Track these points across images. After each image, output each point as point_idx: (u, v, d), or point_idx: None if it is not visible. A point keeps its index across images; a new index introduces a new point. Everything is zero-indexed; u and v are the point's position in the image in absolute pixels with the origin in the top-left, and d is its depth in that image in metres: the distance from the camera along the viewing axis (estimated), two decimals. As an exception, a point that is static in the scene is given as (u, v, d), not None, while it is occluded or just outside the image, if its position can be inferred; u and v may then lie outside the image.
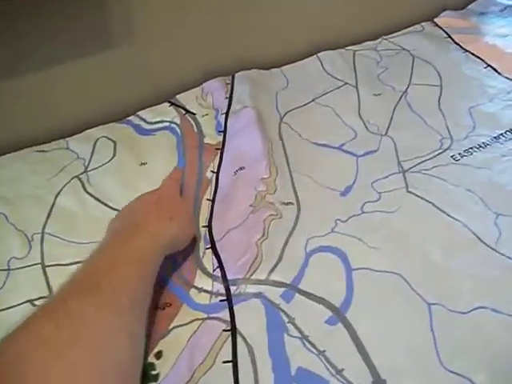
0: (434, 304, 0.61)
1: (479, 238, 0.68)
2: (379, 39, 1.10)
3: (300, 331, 0.59)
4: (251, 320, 0.60)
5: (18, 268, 0.70)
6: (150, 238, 0.58)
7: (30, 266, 0.70)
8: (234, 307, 0.62)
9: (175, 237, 0.63)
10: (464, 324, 0.59)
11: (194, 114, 0.92)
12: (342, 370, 0.55)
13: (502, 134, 0.83)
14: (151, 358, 0.58)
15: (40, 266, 0.70)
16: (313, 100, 0.93)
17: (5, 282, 0.68)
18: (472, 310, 0.60)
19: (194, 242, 0.71)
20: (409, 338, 0.58)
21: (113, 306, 0.50)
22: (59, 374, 0.42)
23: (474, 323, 0.59)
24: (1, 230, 0.75)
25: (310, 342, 0.58)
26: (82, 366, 0.44)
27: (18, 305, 0.65)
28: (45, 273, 0.69)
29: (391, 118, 0.89)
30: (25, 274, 0.69)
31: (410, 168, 0.78)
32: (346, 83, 0.97)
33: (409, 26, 1.14)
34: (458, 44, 1.07)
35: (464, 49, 1.05)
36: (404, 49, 1.07)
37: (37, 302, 0.66)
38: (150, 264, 0.57)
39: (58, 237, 0.74)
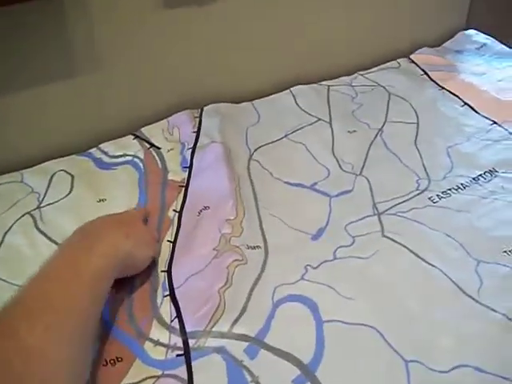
0: (411, 361, 0.55)
1: (460, 288, 0.63)
2: (354, 74, 1.08)
3: (265, 392, 0.53)
4: (211, 379, 0.54)
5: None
6: (102, 256, 0.55)
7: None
8: (193, 363, 0.55)
9: (130, 254, 0.60)
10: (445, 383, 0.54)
11: (159, 149, 0.87)
12: None
13: (481, 175, 0.80)
14: (95, 423, 0.51)
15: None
16: (285, 136, 0.89)
17: None
18: (453, 369, 0.55)
19: (153, 264, 0.67)
20: (385, 401, 0.52)
21: (64, 328, 0.47)
22: None
23: (456, 383, 0.54)
24: None
25: (275, 405, 0.52)
26: None
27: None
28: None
29: (366, 156, 0.85)
30: None
31: (386, 210, 0.74)
32: (320, 119, 0.93)
33: (385, 62, 1.12)
34: (434, 81, 1.05)
35: (440, 86, 1.03)
36: (380, 85, 1.04)
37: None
38: (101, 284, 0.54)
39: (3, 280, 0.67)
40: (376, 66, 1.11)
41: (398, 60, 1.13)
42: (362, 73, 1.08)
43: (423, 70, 1.09)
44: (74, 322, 0.48)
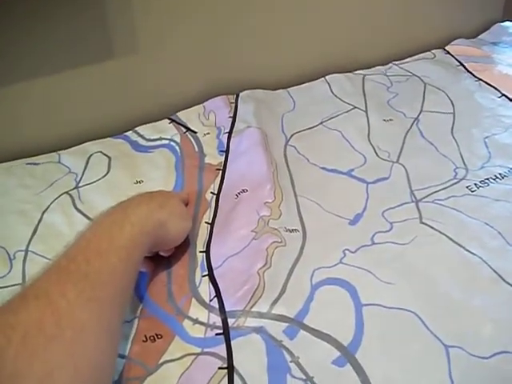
0: (452, 347, 0.55)
1: (499, 276, 0.62)
2: (389, 64, 1.07)
3: (304, 372, 0.53)
4: (250, 357, 0.54)
5: (-3, 288, 0.64)
6: (135, 224, 0.54)
7: (9, 286, 0.64)
8: (232, 342, 0.56)
9: (163, 223, 0.59)
10: (485, 370, 0.53)
11: (195, 133, 0.88)
12: (351, 417, 0.50)
13: (519, 166, 0.79)
14: (137, 397, 0.52)
15: (20, 287, 0.64)
16: (321, 123, 0.89)
17: (-19, 304, 0.62)
18: (494, 355, 0.54)
19: (187, 242, 0.67)
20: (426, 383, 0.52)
21: (96, 298, 0.46)
22: (36, 372, 0.38)
23: (497, 369, 0.53)
24: (-20, 246, 0.69)
25: (315, 385, 0.52)
26: (62, 363, 0.40)
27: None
28: (25, 295, 0.63)
29: (402, 144, 0.84)
30: (4, 294, 0.62)
31: (423, 198, 0.74)
32: (355, 107, 0.93)
33: (419, 53, 1.11)
34: (470, 72, 1.04)
35: (477, 77, 1.02)
36: (415, 75, 1.03)
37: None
38: (135, 252, 0.54)
39: (42, 256, 0.68)
40: (410, 56, 1.10)
41: (433, 51, 1.12)
42: (396, 63, 1.08)
43: (459, 61, 1.08)
44: (106, 290, 0.48)
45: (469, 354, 0.54)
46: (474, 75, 1.03)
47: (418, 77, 1.03)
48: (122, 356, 0.55)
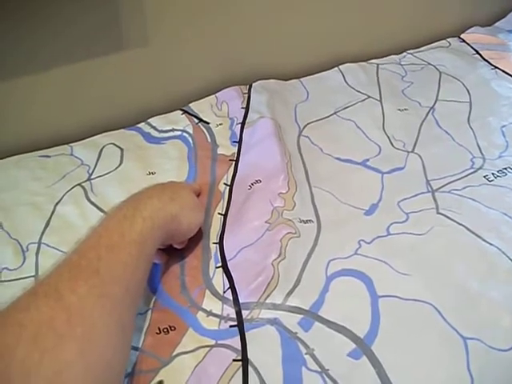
0: (470, 339, 0.54)
1: (519, 267, 0.61)
2: (403, 53, 1.06)
3: (320, 365, 0.52)
4: (265, 349, 0.54)
5: (10, 280, 0.64)
6: (146, 218, 0.54)
7: (22, 278, 0.64)
8: (246, 334, 0.55)
9: (175, 217, 0.58)
10: (504, 362, 0.52)
11: (208, 124, 0.87)
12: (367, 410, 0.49)
13: (537, 155, 0.78)
14: (151, 389, 0.51)
15: (34, 279, 0.64)
16: (334, 113, 0.88)
17: (-6, 295, 0.62)
18: (513, 348, 0.53)
19: (201, 234, 0.67)
20: (443, 377, 0.51)
21: (108, 294, 0.46)
22: (45, 371, 0.38)
23: (516, 362, 0.52)
24: (-7, 239, 0.69)
25: (330, 378, 0.51)
26: (72, 361, 0.40)
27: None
28: (39, 287, 0.63)
29: (418, 134, 0.83)
30: (17, 286, 0.62)
31: (440, 188, 0.73)
32: (370, 97, 0.92)
33: (434, 42, 1.09)
34: (486, 60, 1.02)
35: (493, 65, 1.01)
36: (430, 64, 1.02)
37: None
38: (146, 246, 0.53)
39: (55, 248, 0.68)
40: (425, 45, 1.09)
41: (448, 39, 1.10)
42: (411, 52, 1.06)
43: (475, 50, 1.06)
44: (118, 285, 0.48)
45: (487, 347, 0.54)
46: (490, 63, 1.01)
47: (433, 65, 1.01)
48: (135, 348, 0.55)
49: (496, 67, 1.00)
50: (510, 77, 0.97)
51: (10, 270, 0.65)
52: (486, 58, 1.03)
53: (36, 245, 0.68)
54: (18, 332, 0.39)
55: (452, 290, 0.59)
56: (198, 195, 0.73)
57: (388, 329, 0.55)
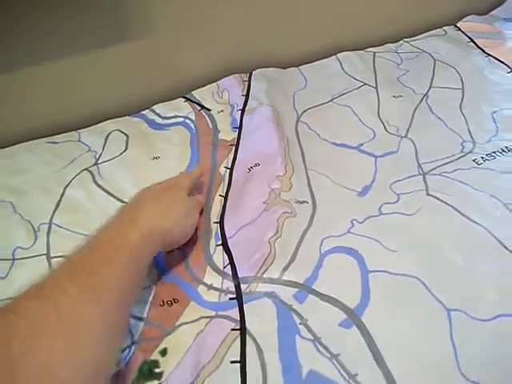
0: (454, 310, 0.57)
1: (502, 244, 0.64)
2: (400, 42, 1.09)
3: (312, 333, 0.56)
4: (262, 320, 0.58)
5: (23, 258, 0.68)
6: (141, 234, 0.55)
7: (35, 256, 0.68)
8: (244, 306, 0.59)
9: (168, 232, 0.60)
10: (485, 332, 0.56)
11: (209, 110, 0.90)
12: (356, 375, 0.53)
13: (526, 139, 0.81)
14: (155, 355, 0.55)
15: (45, 257, 0.68)
16: (331, 100, 0.91)
17: (8, 272, 0.66)
18: (495, 318, 0.57)
19: (196, 235, 0.69)
20: (428, 346, 0.55)
21: (100, 299, 0.48)
22: (35, 365, 0.40)
23: (496, 332, 0.56)
24: (7, 219, 0.73)
25: (322, 345, 0.55)
26: (61, 359, 0.42)
27: (21, 296, 0.63)
28: (50, 264, 0.67)
29: (411, 120, 0.86)
30: (29, 264, 0.67)
31: (431, 170, 0.76)
32: (366, 84, 0.95)
33: (430, 30, 1.12)
34: (481, 48, 1.05)
35: (487, 53, 1.03)
36: (425, 52, 1.05)
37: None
38: (140, 260, 0.55)
39: (65, 228, 0.72)
40: (421, 33, 1.11)
41: (444, 28, 1.13)
42: (407, 40, 1.09)
43: (470, 38, 1.08)
44: (111, 292, 0.49)
45: (470, 317, 0.57)
46: (484, 51, 1.04)
47: (429, 53, 1.04)
48: (140, 319, 0.59)
49: (490, 55, 1.02)
50: (503, 64, 1.00)
51: (23, 248, 0.69)
52: (481, 46, 1.05)
53: (47, 225, 0.72)
54: (12, 329, 0.41)
55: (438, 266, 0.62)
56: (200, 187, 0.76)
57: (377, 301, 0.59)
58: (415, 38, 1.10)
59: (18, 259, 0.68)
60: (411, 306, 0.59)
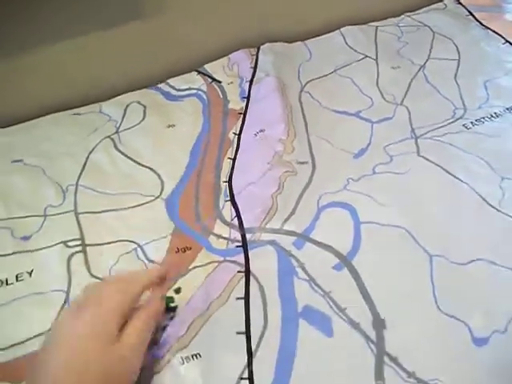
0: (435, 256, 0.65)
1: (484, 200, 0.71)
2: (402, 16, 1.14)
3: (308, 275, 0.64)
4: (264, 264, 0.66)
5: (54, 214, 0.76)
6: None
7: (64, 212, 0.76)
8: (249, 252, 0.67)
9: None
10: (462, 274, 0.63)
11: (220, 82, 0.98)
12: (345, 308, 0.60)
13: (514, 105, 0.87)
14: (171, 293, 0.63)
15: (73, 213, 0.76)
16: (334, 71, 0.98)
17: (41, 226, 0.75)
18: (471, 262, 0.64)
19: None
20: (410, 286, 0.63)
21: None
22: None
23: (471, 273, 0.63)
24: (38, 181, 0.81)
25: (317, 284, 0.63)
26: None
27: (53, 245, 0.72)
28: (77, 219, 0.75)
29: (407, 88, 0.92)
30: (59, 219, 0.76)
31: (423, 134, 0.82)
32: (367, 56, 1.01)
33: (431, 4, 1.17)
34: (478, 21, 1.10)
35: (485, 26, 1.08)
36: (425, 25, 1.10)
37: (70, 244, 0.72)
38: None
39: (90, 188, 0.80)
40: (423, 7, 1.17)
41: (445, 1, 1.17)
42: (408, 14, 1.14)
43: (469, 11, 1.13)
44: None
45: (449, 262, 0.64)
46: (482, 24, 1.09)
47: (429, 27, 1.09)
48: (158, 263, 0.67)
49: (487, 27, 1.08)
50: (499, 37, 1.05)
51: (53, 206, 0.78)
52: (479, 19, 1.11)
53: (74, 186, 0.80)
54: None
55: (424, 218, 0.69)
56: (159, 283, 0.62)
57: (367, 247, 0.66)
58: (416, 12, 1.15)
59: (49, 215, 0.76)
60: (397, 251, 0.66)
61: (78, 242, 0.72)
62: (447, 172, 0.75)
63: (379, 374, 0.55)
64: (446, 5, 1.16)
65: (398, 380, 0.54)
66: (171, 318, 0.61)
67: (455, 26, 1.09)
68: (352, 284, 0.63)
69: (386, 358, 0.56)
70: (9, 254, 0.71)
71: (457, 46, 1.03)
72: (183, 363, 0.57)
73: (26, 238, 0.73)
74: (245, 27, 1.06)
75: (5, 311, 0.65)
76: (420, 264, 0.64)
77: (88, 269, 0.69)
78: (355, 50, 1.03)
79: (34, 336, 0.62)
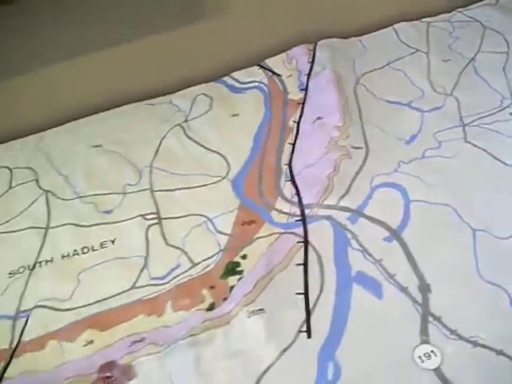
0: (478, 230, 0.71)
1: (526, 182, 0.77)
2: (453, 12, 1.18)
3: (361, 245, 0.71)
4: (321, 235, 0.73)
5: (131, 192, 0.86)
6: None
7: (141, 190, 0.86)
8: (308, 226, 0.75)
9: None
10: (503, 247, 0.69)
11: (280, 75, 1.05)
12: (394, 275, 0.67)
13: (559, 97, 0.91)
14: (237, 259, 0.72)
15: (149, 190, 0.86)
16: (387, 64, 1.04)
17: (121, 201, 0.84)
18: (510, 237, 0.70)
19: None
20: (454, 254, 0.69)
21: None
22: None
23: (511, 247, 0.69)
24: (118, 163, 0.91)
25: (368, 254, 0.70)
26: None
27: (132, 218, 0.81)
28: (153, 195, 0.85)
29: (457, 80, 0.98)
30: (137, 196, 0.85)
31: (470, 122, 0.88)
32: (418, 50, 1.07)
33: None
34: (530, 16, 1.13)
35: (536, 20, 1.11)
36: (476, 20, 1.14)
37: (147, 217, 0.81)
38: None
39: (163, 170, 0.89)
40: (475, 3, 1.20)
41: (497, -3, 1.21)
42: (460, 10, 1.18)
43: (521, 6, 1.17)
44: None
45: (491, 235, 0.70)
46: (533, 18, 1.13)
47: (480, 22, 1.13)
48: (225, 234, 0.76)
49: (539, 22, 1.11)
50: (550, 31, 1.08)
51: (131, 184, 0.87)
52: (531, 14, 1.14)
53: (149, 168, 0.90)
54: None
55: (469, 197, 0.75)
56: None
57: (415, 222, 0.73)
58: (468, 7, 1.19)
59: (127, 192, 0.86)
60: (443, 226, 0.72)
61: (155, 216, 0.81)
62: (493, 156, 0.81)
63: (424, 331, 0.61)
64: (497, 0, 1.20)
65: (441, 336, 0.61)
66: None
67: (506, 20, 1.13)
68: (401, 254, 0.69)
69: (430, 318, 0.63)
70: (94, 225, 0.81)
71: (507, 40, 1.06)
72: (249, 316, 0.65)
73: (108, 212, 0.83)
74: (302, 25, 1.13)
75: (91, 273, 0.75)
76: (464, 237, 0.70)
77: (164, 238, 0.78)
78: (407, 45, 1.09)
79: (117, 293, 0.72)
